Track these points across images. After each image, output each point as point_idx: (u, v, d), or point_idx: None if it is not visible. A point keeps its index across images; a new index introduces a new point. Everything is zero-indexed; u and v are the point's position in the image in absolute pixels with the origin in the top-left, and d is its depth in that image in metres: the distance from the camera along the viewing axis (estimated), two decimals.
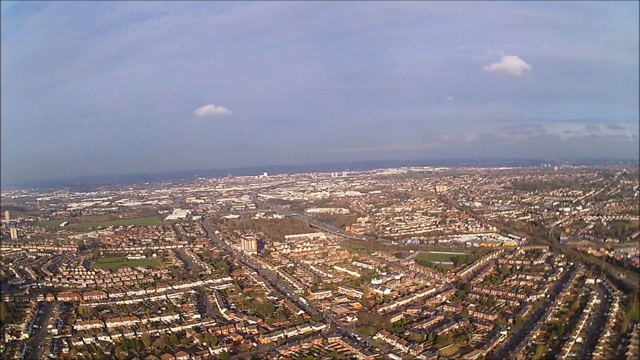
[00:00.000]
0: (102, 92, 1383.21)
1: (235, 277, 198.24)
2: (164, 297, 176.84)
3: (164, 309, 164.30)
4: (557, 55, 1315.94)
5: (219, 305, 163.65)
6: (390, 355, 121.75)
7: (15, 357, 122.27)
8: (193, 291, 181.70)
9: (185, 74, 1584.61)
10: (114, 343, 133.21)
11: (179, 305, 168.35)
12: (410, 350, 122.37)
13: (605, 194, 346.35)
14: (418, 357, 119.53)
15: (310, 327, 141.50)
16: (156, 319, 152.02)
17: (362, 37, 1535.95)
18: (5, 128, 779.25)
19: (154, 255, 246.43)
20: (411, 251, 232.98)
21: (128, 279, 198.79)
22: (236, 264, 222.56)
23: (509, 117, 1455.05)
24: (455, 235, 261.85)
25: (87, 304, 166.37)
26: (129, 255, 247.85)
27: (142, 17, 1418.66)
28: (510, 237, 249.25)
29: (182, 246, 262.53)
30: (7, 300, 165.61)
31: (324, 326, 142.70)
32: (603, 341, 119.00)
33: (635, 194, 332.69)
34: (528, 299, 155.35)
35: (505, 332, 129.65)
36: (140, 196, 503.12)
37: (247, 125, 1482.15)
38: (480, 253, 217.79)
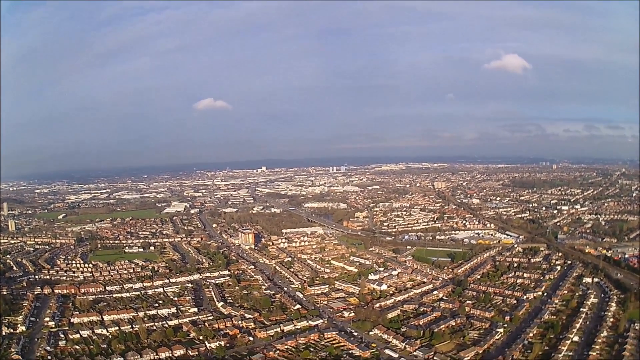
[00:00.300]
0: (102, 87, 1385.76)
1: (232, 271, 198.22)
2: (161, 290, 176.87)
3: (161, 302, 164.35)
4: (557, 54, 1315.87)
5: (215, 299, 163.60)
6: (387, 351, 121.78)
7: (12, 350, 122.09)
8: (190, 284, 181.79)
9: (186, 69, 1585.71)
10: (110, 336, 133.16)
11: (176, 298, 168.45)
12: (407, 346, 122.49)
13: (604, 194, 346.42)
14: (414, 353, 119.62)
15: (307, 321, 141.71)
16: (153, 312, 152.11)
17: (363, 34, 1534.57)
18: (5, 122, 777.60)
19: (152, 248, 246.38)
20: (408, 247, 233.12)
21: (125, 271, 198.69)
22: (233, 257, 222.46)
23: (508, 116, 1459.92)
24: (453, 232, 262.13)
25: (85, 297, 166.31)
26: (127, 248, 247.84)
27: (142, 12, 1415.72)
28: (508, 235, 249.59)
29: (179, 239, 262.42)
30: (5, 293, 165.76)
31: (321, 321, 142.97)
32: (600, 340, 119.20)
33: (634, 194, 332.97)
34: (525, 297, 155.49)
35: (501, 330, 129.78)
36: (139, 189, 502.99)
37: (246, 120, 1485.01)
38: (478, 250, 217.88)
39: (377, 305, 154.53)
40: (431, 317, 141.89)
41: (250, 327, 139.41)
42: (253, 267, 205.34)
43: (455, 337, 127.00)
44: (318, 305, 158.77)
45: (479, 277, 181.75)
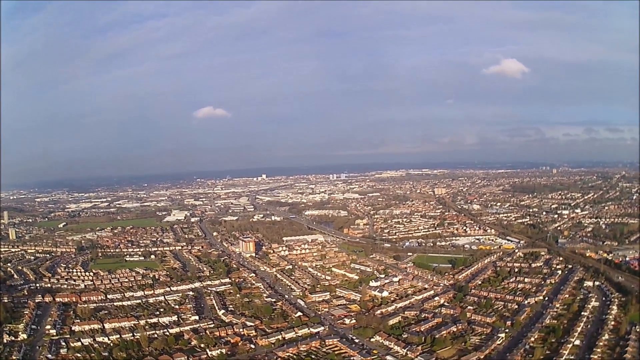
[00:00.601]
0: (102, 93, 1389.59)
1: (233, 279, 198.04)
2: (162, 298, 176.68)
3: (162, 310, 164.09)
4: (556, 57, 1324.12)
5: (217, 307, 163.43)
6: (388, 358, 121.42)
7: (14, 358, 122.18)
8: (191, 293, 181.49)
9: (185, 75, 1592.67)
10: (111, 344, 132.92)
11: (177, 306, 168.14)
12: (408, 352, 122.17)
13: (604, 197, 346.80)
14: (416, 359, 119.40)
15: (308, 329, 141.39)
16: (154, 320, 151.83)
17: (361, 38, 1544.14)
18: (4, 128, 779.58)
19: (152, 256, 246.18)
20: (409, 253, 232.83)
21: (126, 280, 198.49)
22: (234, 265, 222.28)
23: (507, 120, 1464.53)
24: (454, 238, 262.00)
25: (85, 305, 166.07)
26: (127, 256, 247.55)
27: (141, 18, 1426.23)
28: (508, 240, 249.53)
29: (180, 248, 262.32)
30: (6, 301, 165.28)
31: (322, 328, 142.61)
32: (601, 344, 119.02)
33: (634, 197, 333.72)
34: (526, 302, 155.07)
35: (503, 335, 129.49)
36: (139, 197, 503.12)
37: (245, 127, 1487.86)
38: (479, 255, 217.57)
39: (379, 312, 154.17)
40: (432, 323, 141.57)
41: (251, 334, 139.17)
42: (254, 275, 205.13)
43: (456, 343, 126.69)
44: (319, 313, 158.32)
45: (480, 282, 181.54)
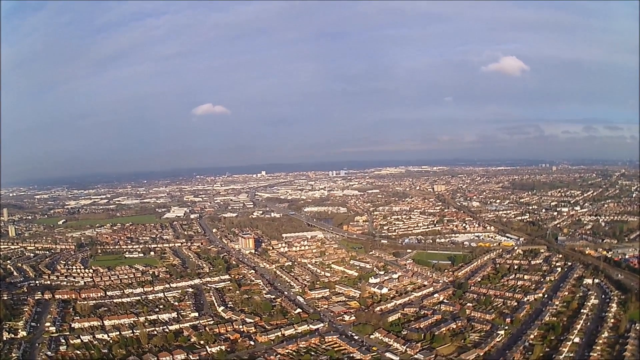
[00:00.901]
0: (101, 92, 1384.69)
1: (232, 276, 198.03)
2: (161, 295, 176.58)
3: (161, 307, 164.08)
4: (556, 55, 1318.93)
5: (216, 304, 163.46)
6: (388, 354, 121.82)
7: (13, 355, 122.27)
8: (191, 289, 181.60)
9: (185, 73, 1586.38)
10: (111, 341, 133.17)
11: (176, 303, 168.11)
12: (408, 349, 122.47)
13: (604, 195, 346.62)
14: (415, 356, 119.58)
15: (308, 325, 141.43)
16: (154, 317, 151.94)
17: (361, 37, 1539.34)
18: (4, 127, 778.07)
19: (152, 253, 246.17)
20: (409, 250, 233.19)
21: (126, 276, 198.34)
22: (234, 262, 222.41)
23: (507, 118, 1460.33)
24: (453, 235, 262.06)
25: (85, 302, 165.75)
26: (127, 253, 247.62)
27: (141, 17, 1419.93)
28: (508, 237, 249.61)
29: (179, 244, 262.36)
30: (5, 298, 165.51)
31: (322, 325, 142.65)
32: (601, 341, 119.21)
33: (634, 195, 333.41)
34: (526, 299, 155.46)
35: (502, 332, 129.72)
36: (139, 194, 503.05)
37: (245, 125, 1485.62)
38: (478, 252, 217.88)
39: (378, 308, 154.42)
40: (432, 320, 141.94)
41: (251, 331, 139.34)
42: (253, 271, 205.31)
43: (456, 340, 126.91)
44: (319, 309, 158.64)
45: (479, 279, 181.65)
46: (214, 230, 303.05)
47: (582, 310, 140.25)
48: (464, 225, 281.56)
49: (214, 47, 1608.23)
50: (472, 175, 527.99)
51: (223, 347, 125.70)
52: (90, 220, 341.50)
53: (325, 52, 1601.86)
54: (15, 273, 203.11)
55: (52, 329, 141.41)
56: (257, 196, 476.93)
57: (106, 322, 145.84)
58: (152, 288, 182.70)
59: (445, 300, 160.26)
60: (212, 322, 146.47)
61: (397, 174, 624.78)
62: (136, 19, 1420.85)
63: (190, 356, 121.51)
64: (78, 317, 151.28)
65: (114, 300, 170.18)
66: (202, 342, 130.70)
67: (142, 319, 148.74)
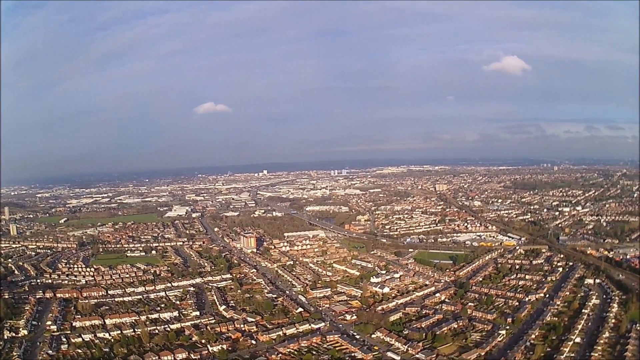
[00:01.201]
0: (103, 90, 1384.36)
1: (234, 275, 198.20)
2: (163, 294, 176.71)
3: (163, 306, 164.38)
4: (557, 55, 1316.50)
5: (218, 303, 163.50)
6: (389, 354, 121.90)
7: (14, 354, 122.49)
8: (192, 288, 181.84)
9: (186, 71, 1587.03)
10: (112, 340, 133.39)
11: (178, 302, 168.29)
12: (409, 348, 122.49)
13: (605, 195, 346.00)
14: (416, 355, 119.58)
15: (309, 325, 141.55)
16: (155, 316, 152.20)
17: (362, 36, 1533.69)
18: (5, 125, 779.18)
19: (153, 252, 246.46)
20: (410, 250, 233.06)
21: (127, 275, 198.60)
22: (235, 261, 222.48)
23: (508, 117, 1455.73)
24: (455, 234, 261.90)
25: (86, 301, 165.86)
26: (128, 252, 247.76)
27: (142, 15, 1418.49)
28: (509, 237, 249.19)
29: (181, 243, 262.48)
30: (6, 297, 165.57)
31: (323, 324, 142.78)
32: (602, 341, 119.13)
33: (635, 195, 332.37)
34: (527, 299, 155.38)
35: (504, 332, 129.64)
36: (140, 193, 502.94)
37: (247, 123, 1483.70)
38: (480, 252, 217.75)
39: (379, 308, 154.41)
40: (433, 319, 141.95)
41: (252, 330, 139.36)
42: (255, 270, 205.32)
43: (457, 340, 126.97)
44: (320, 309, 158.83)
45: (481, 279, 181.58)
46: (216, 229, 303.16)
47: (583, 311, 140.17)
48: (465, 224, 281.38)
49: (215, 45, 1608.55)
50: (474, 175, 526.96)
51: (224, 346, 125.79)
52: (91, 219, 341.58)
53: (326, 50, 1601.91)
54: (16, 272, 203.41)
55: (53, 327, 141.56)
56: (258, 195, 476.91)
57: (107, 321, 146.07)
58: (153, 287, 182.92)
59: (446, 300, 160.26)
60: (213, 321, 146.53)
61: (399, 173, 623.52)
62: (138, 18, 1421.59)
63: (192, 355, 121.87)
64: (79, 316, 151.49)
65: (116, 299, 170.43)
66: (203, 341, 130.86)
67: (143, 317, 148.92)
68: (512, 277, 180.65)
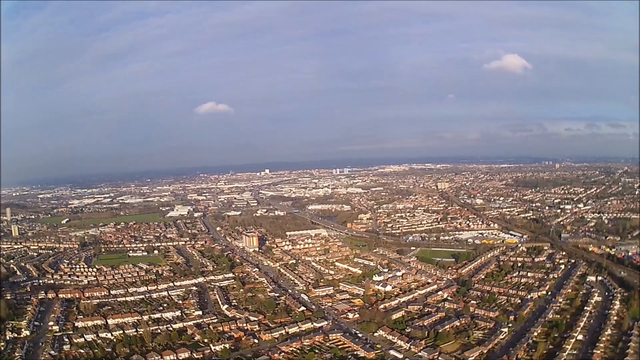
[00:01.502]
0: (104, 91, 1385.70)
1: (236, 274, 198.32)
2: (165, 293, 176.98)
3: (165, 305, 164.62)
4: (558, 53, 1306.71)
5: (220, 302, 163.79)
6: (391, 352, 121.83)
7: (17, 355, 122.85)
8: (194, 288, 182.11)
9: (187, 72, 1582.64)
10: (115, 340, 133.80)
11: (180, 301, 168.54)
12: (412, 347, 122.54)
13: (607, 192, 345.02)
14: (419, 353, 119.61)
15: (312, 323, 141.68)
16: (157, 315, 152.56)
17: (363, 35, 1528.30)
18: (6, 126, 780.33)
19: (156, 252, 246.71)
20: (412, 248, 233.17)
21: (129, 275, 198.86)
22: (237, 260, 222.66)
23: (510, 115, 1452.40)
24: (457, 232, 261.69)
25: (89, 301, 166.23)
26: (130, 252, 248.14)
27: (144, 15, 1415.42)
28: (511, 234, 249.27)
29: (183, 243, 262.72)
30: (9, 298, 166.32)
31: (325, 323, 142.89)
32: (604, 339, 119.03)
33: (637, 192, 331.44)
34: (529, 296, 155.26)
35: (506, 329, 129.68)
36: (142, 193, 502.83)
37: (248, 123, 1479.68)
38: (482, 250, 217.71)
39: (382, 306, 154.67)
40: (436, 317, 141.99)
41: (255, 329, 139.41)
42: (257, 269, 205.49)
43: (460, 337, 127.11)
44: (323, 307, 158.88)
45: (483, 277, 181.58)
46: (218, 228, 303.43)
47: (585, 308, 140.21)
48: (467, 222, 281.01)
49: (217, 45, 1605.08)
50: (476, 173, 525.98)
51: (227, 345, 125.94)
52: (93, 219, 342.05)
53: (327, 50, 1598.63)
54: (18, 272, 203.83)
55: (56, 328, 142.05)
56: (260, 194, 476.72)
57: (110, 321, 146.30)
58: (155, 287, 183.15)
59: (449, 298, 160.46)
60: (216, 320, 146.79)
61: (401, 172, 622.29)
62: (139, 19, 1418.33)
63: (194, 354, 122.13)
64: (81, 316, 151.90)
65: (118, 299, 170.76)
66: (206, 340, 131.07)
67: (145, 317, 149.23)
68: (514, 275, 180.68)
